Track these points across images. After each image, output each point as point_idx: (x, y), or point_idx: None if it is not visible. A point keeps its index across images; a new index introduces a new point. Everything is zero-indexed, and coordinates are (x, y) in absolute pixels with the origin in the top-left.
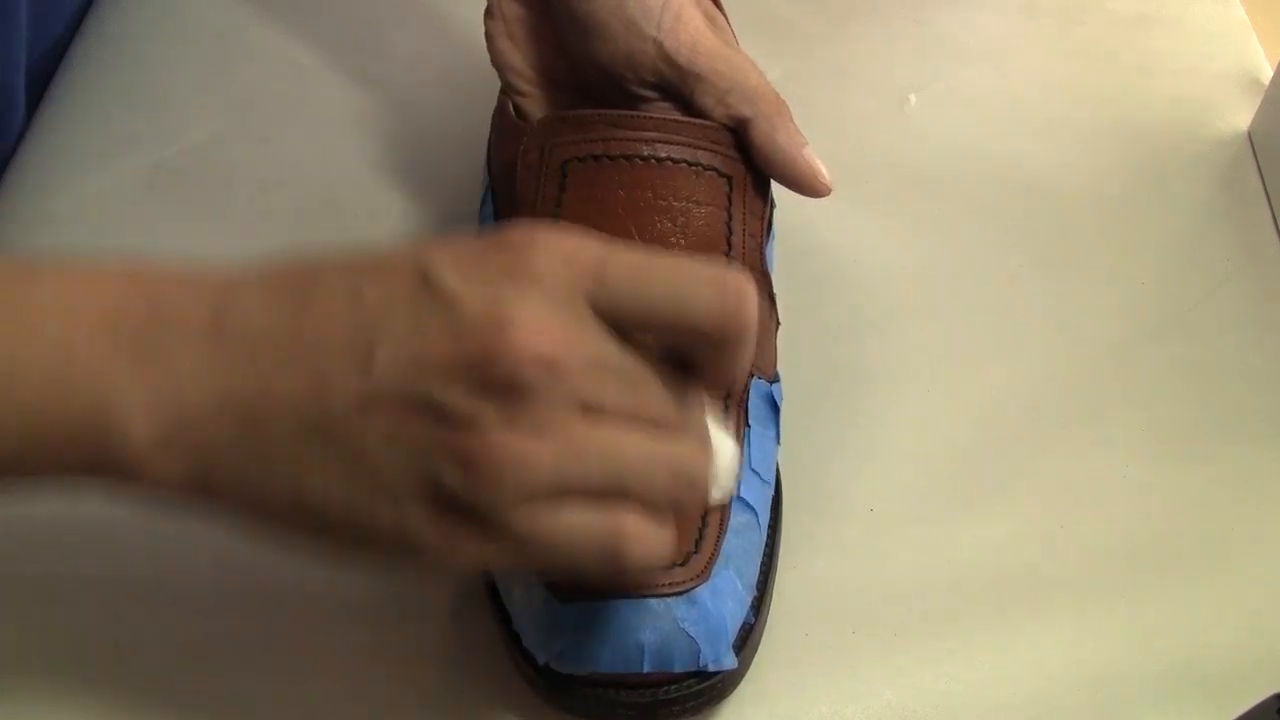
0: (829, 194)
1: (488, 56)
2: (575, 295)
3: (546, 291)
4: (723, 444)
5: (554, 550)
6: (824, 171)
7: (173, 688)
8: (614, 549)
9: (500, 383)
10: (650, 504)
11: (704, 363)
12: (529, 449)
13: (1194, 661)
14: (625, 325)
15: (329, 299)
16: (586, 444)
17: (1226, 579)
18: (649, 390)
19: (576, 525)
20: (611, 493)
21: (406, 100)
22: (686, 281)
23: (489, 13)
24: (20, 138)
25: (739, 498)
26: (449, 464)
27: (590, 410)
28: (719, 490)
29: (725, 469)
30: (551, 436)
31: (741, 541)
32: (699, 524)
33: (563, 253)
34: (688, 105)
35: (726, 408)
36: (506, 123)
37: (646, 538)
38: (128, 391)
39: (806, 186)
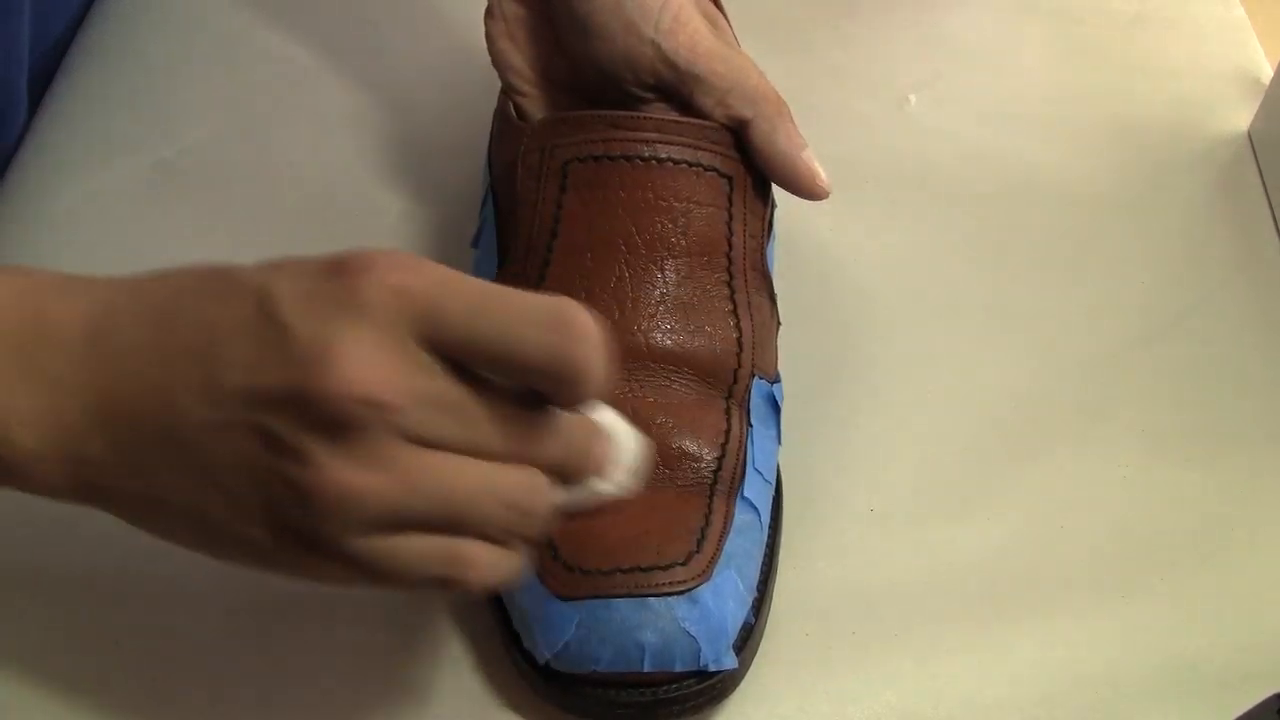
0: (827, 197)
1: (488, 57)
2: (403, 329)
3: (374, 325)
4: (621, 435)
5: (394, 575)
6: (823, 174)
7: (173, 688)
8: (452, 575)
9: (325, 416)
10: (486, 533)
11: (549, 394)
12: (357, 482)
13: (1194, 661)
14: (460, 358)
15: (185, 318)
16: (418, 477)
17: (1226, 579)
18: (482, 422)
19: (414, 552)
20: (446, 523)
21: (406, 100)
22: (517, 321)
23: (489, 13)
24: (21, 137)
25: (742, 497)
26: (283, 492)
27: (422, 443)
28: (622, 479)
29: (624, 458)
30: (381, 470)
31: (743, 541)
32: (701, 524)
33: (394, 284)
34: (687, 106)
35: (727, 408)
36: (507, 123)
37: (485, 563)
38: (10, 406)
39: (805, 189)
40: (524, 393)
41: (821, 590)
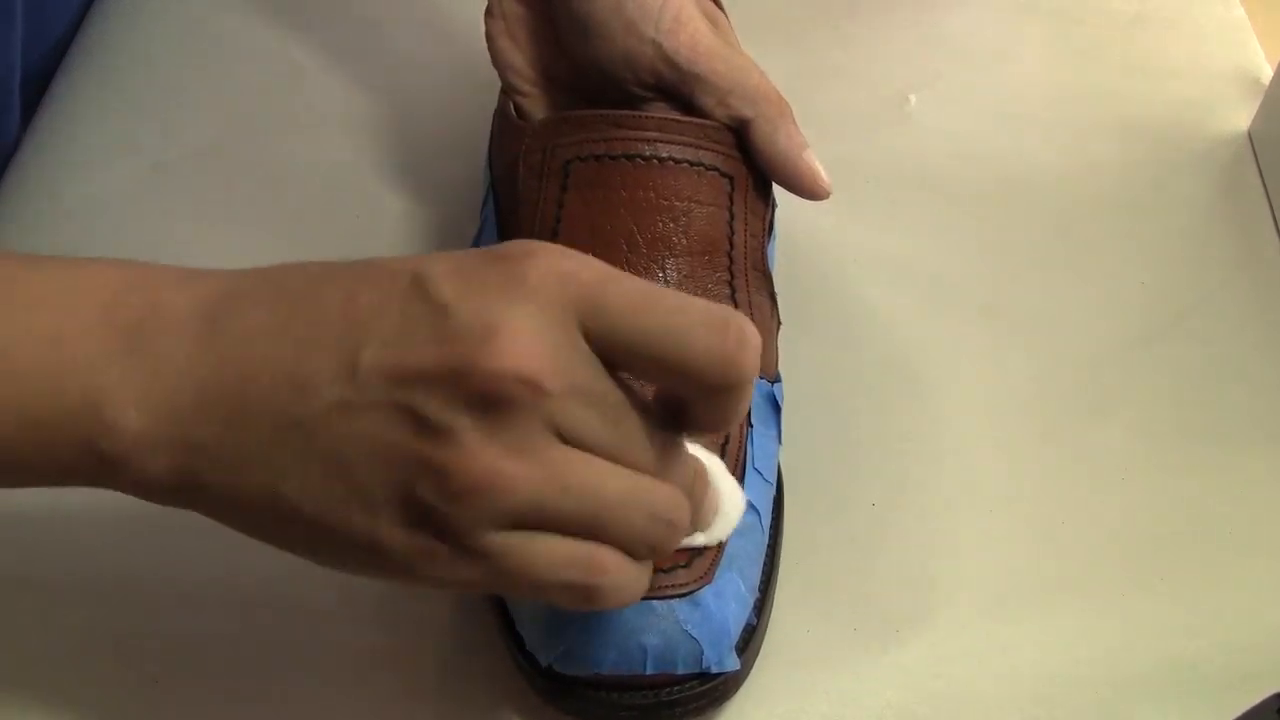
0: (828, 197)
1: (488, 56)
2: (568, 316)
3: (539, 308)
4: (727, 488)
5: (527, 578)
6: (824, 174)
7: (172, 689)
8: (588, 586)
9: (480, 395)
10: (626, 544)
11: (697, 407)
12: (505, 469)
13: (1194, 661)
14: (617, 356)
15: (323, 301)
16: (567, 474)
17: (1226, 579)
18: (634, 429)
19: (554, 555)
20: (588, 528)
21: (406, 100)
22: (687, 319)
23: (489, 12)
24: (19, 138)
25: None
26: (424, 476)
27: (572, 440)
28: (722, 531)
29: (729, 513)
30: (530, 460)
31: (744, 543)
32: None
33: (561, 270)
34: (688, 106)
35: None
36: (507, 123)
37: (622, 577)
38: (119, 385)
39: (805, 189)
40: (659, 414)
41: (822, 589)
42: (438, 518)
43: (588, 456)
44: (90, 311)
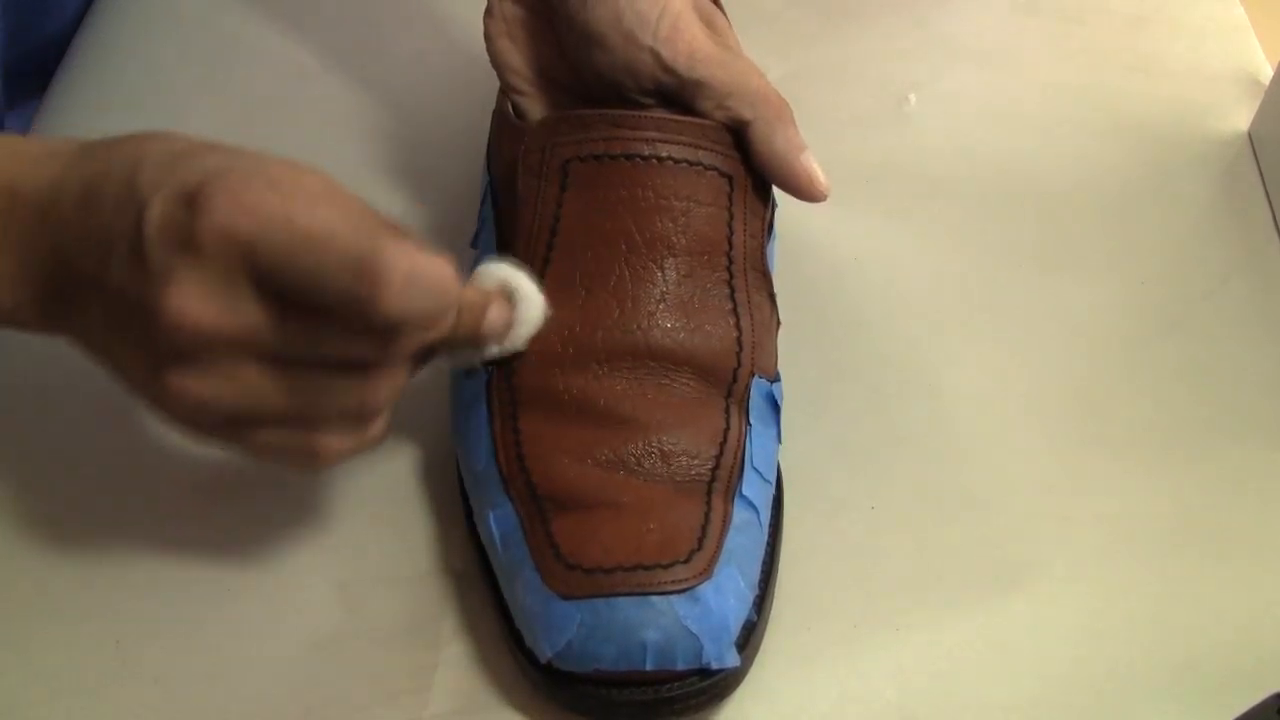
0: (825, 199)
1: (487, 56)
2: (233, 265)
3: (207, 263)
4: (526, 294)
5: (259, 457)
6: (821, 176)
7: (172, 688)
8: (304, 462)
9: (164, 337)
10: (334, 428)
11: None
12: (194, 388)
13: (1194, 661)
14: (288, 291)
15: (100, 206)
16: (257, 386)
17: (1226, 579)
18: (317, 343)
19: (270, 444)
20: (293, 423)
21: (406, 100)
22: (327, 263)
23: (488, 12)
24: (21, 129)
25: (741, 496)
26: (147, 380)
27: (264, 358)
28: (520, 337)
29: (527, 317)
30: (220, 380)
31: (743, 539)
32: (702, 521)
33: (225, 226)
34: (688, 111)
35: (727, 408)
36: (506, 123)
37: (337, 447)
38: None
39: (803, 191)
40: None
41: (822, 588)
42: (175, 417)
43: (278, 371)
44: None
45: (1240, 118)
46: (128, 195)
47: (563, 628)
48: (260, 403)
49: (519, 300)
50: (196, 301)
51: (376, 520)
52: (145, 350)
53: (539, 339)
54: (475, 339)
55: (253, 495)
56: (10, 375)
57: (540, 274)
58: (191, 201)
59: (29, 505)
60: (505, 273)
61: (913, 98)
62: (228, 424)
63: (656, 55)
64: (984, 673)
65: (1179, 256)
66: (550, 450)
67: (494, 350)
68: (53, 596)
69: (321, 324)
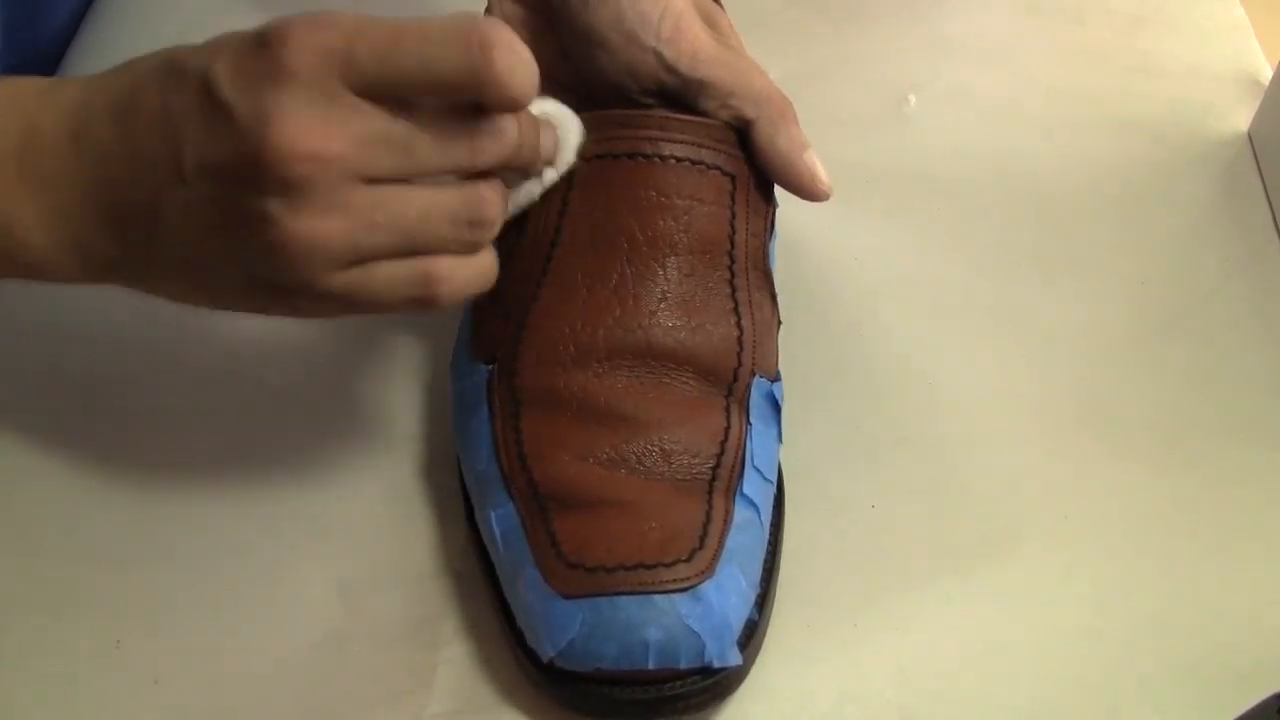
0: (828, 198)
1: None
2: (330, 80)
3: (304, 85)
4: (563, 120)
5: (370, 302)
6: (823, 175)
7: (172, 688)
8: (425, 291)
9: (275, 181)
10: (449, 249)
11: (484, 103)
12: (318, 229)
13: (1194, 661)
14: (388, 93)
15: (145, 109)
16: (371, 212)
17: (1226, 579)
18: (423, 147)
19: (385, 277)
20: (406, 248)
21: None
22: (432, 46)
23: (488, 11)
24: None
25: (742, 495)
26: (257, 256)
27: (370, 180)
28: (566, 160)
29: (569, 140)
30: (337, 213)
31: (745, 538)
32: (703, 520)
33: (312, 44)
34: (691, 111)
35: (728, 407)
36: None
37: (452, 276)
38: (20, 207)
39: (805, 190)
40: (463, 109)
41: (822, 588)
42: (283, 281)
43: (386, 190)
44: None
45: (1240, 118)
46: (176, 79)
47: (564, 627)
48: (378, 229)
49: (560, 124)
50: (304, 126)
51: (377, 520)
52: (246, 221)
53: (540, 338)
54: (535, 159)
55: (253, 496)
56: (11, 375)
57: (542, 272)
58: (265, 40)
59: (29, 504)
60: (543, 104)
61: (913, 98)
62: (350, 264)
63: (659, 56)
64: (984, 673)
65: (1179, 256)
66: (551, 449)
67: (550, 175)
68: (53, 596)
69: (423, 124)
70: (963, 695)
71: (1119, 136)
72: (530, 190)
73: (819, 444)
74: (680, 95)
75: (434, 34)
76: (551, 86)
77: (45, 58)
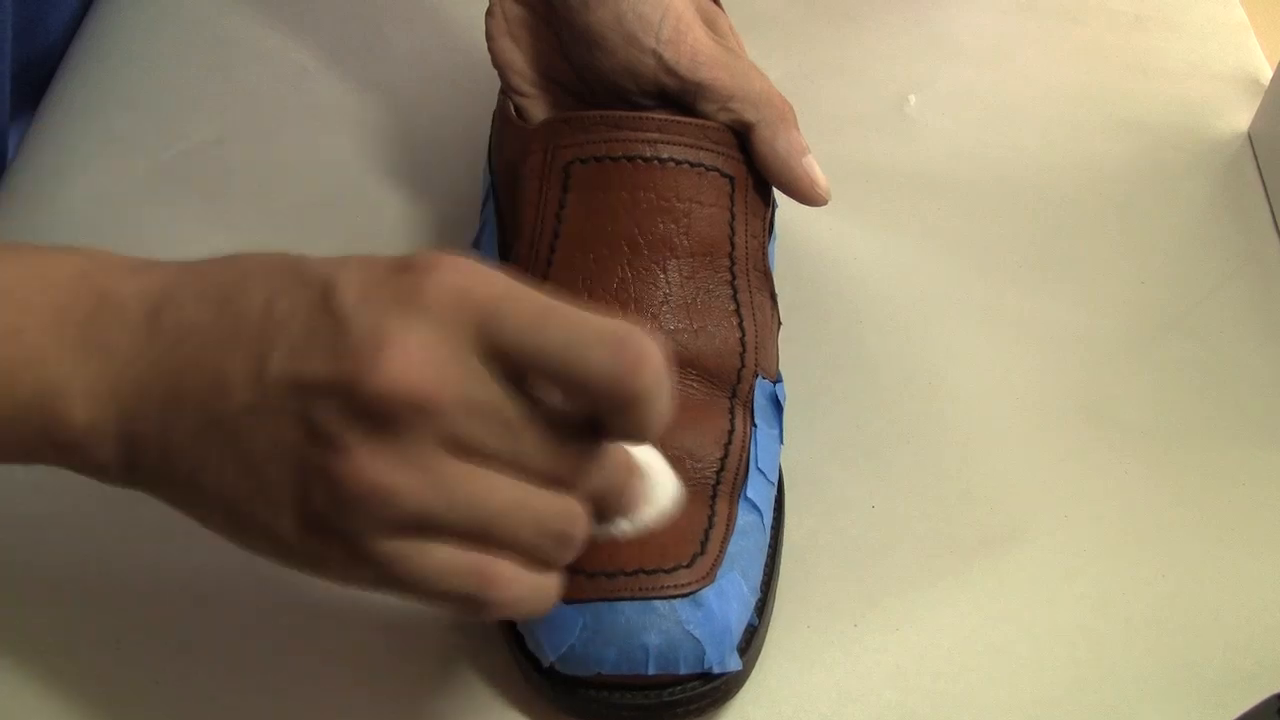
0: (826, 203)
1: (488, 56)
2: (462, 331)
3: (432, 324)
4: (658, 476)
5: (419, 583)
6: (822, 180)
7: (172, 687)
8: (479, 594)
9: (369, 409)
10: (519, 554)
11: (608, 418)
12: (390, 479)
13: (1194, 661)
14: (519, 370)
15: (247, 301)
16: (453, 484)
17: (1226, 579)
18: (531, 439)
19: (443, 564)
20: (477, 538)
21: (406, 100)
22: (581, 337)
23: (490, 12)
24: (19, 139)
25: (745, 498)
26: (318, 482)
27: (463, 451)
28: (649, 518)
29: (660, 501)
30: (417, 472)
31: (746, 543)
32: (705, 525)
33: (458, 285)
34: (691, 113)
35: (731, 409)
36: (508, 124)
37: (519, 588)
38: (69, 378)
39: (804, 194)
40: (575, 422)
41: (822, 588)
42: (330, 523)
43: (476, 469)
44: (46, 305)
45: (1240, 118)
46: (292, 280)
47: (565, 631)
48: (455, 506)
49: (653, 480)
50: (419, 363)
51: None
52: (316, 442)
53: None
54: (619, 503)
55: None
56: None
57: (543, 276)
58: (407, 266)
59: (29, 505)
60: (647, 453)
61: (913, 98)
62: (408, 527)
63: (659, 57)
64: (984, 673)
65: (1179, 256)
66: None
67: (623, 527)
68: (53, 596)
69: (536, 418)
70: (962, 695)
71: (1119, 136)
72: (596, 532)
73: (819, 444)
74: (679, 97)
75: (586, 326)
76: (551, 86)
77: (50, 55)
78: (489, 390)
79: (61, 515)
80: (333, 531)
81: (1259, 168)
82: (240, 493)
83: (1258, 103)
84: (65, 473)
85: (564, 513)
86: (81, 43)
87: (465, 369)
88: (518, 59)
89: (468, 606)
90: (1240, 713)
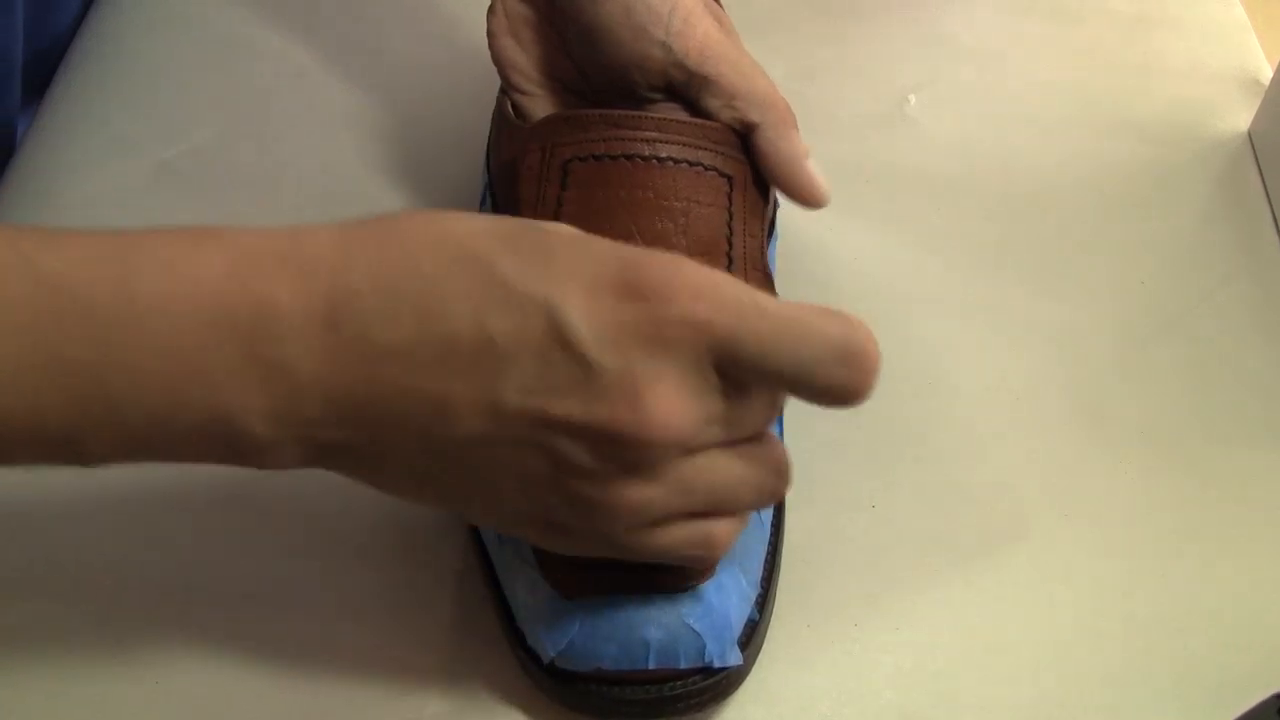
0: (826, 206)
1: (488, 55)
2: (704, 361)
3: (680, 363)
4: None
5: (653, 556)
6: (822, 184)
7: (172, 686)
8: (704, 552)
9: (629, 454)
10: (738, 513)
11: (810, 401)
12: (641, 496)
13: (1194, 661)
14: (749, 382)
15: (451, 324)
16: (693, 484)
17: (1227, 579)
18: (745, 418)
19: (676, 539)
20: (709, 513)
21: (406, 100)
22: (815, 355)
23: (491, 10)
24: (20, 138)
25: None
26: (565, 503)
27: (697, 451)
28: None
29: None
30: (660, 483)
31: (746, 539)
32: None
33: (698, 319)
34: (694, 107)
35: None
36: (505, 123)
37: (729, 537)
38: (241, 396)
39: (804, 197)
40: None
41: (823, 586)
42: (571, 526)
43: (707, 462)
44: (200, 319)
45: (1240, 118)
46: (499, 300)
47: (565, 626)
48: (694, 497)
49: None
50: (673, 407)
51: (377, 520)
52: (565, 471)
53: None
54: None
55: (253, 496)
56: None
57: None
58: (637, 292)
59: (29, 505)
60: None
61: (913, 98)
62: (646, 527)
63: (668, 50)
64: (984, 673)
65: (1179, 256)
66: None
67: None
68: (53, 597)
69: (750, 401)
70: (963, 695)
71: (1119, 136)
72: None
73: (819, 444)
74: (685, 90)
75: (819, 343)
76: (553, 84)
77: (57, 45)
78: (719, 402)
79: (62, 513)
80: (575, 534)
81: (1259, 168)
82: (469, 503)
83: (1258, 103)
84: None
85: (778, 469)
86: (82, 42)
87: (711, 395)
88: (520, 57)
89: (692, 563)
90: (1240, 713)
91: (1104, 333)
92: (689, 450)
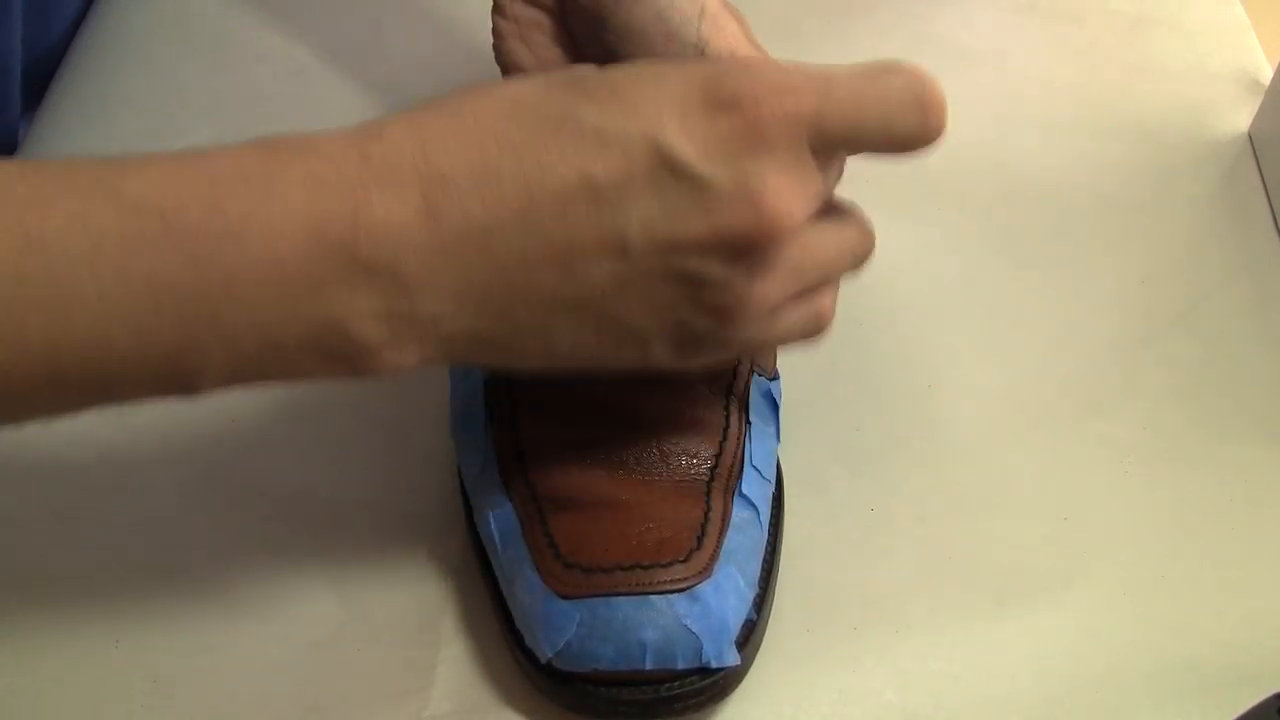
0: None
1: (489, 56)
2: (801, 147)
3: (781, 156)
4: None
5: (773, 344)
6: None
7: (172, 686)
8: (815, 328)
9: (752, 251)
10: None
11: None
12: (769, 289)
13: (1194, 661)
14: (838, 149)
15: (556, 181)
16: (807, 266)
17: (1226, 579)
18: (830, 187)
19: (793, 323)
20: (818, 287)
21: (406, 100)
22: (891, 111)
23: (499, 11)
24: (19, 139)
25: (740, 494)
26: (701, 316)
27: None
28: None
29: None
30: (784, 271)
31: (743, 538)
32: (701, 520)
33: (786, 111)
34: None
35: (726, 405)
36: None
37: (833, 307)
38: (354, 305)
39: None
40: None
41: (822, 588)
42: (707, 337)
43: (813, 238)
44: (295, 231)
45: (1240, 118)
46: (594, 145)
47: (562, 627)
48: (806, 275)
49: None
50: (787, 198)
51: (376, 520)
52: (701, 287)
53: None
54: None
55: (253, 495)
56: None
57: None
58: (728, 103)
59: (29, 505)
60: None
61: None
62: (768, 317)
63: (700, 53)
64: (984, 673)
65: (1179, 256)
66: (549, 450)
67: None
68: (53, 596)
69: (834, 172)
70: (963, 695)
71: (1119, 136)
72: None
73: (818, 445)
74: None
75: (893, 97)
76: None
77: (56, 50)
78: (820, 179)
79: (61, 513)
80: (707, 342)
81: (1259, 168)
82: (603, 342)
83: (1258, 103)
84: (64, 472)
85: (866, 230)
86: (82, 42)
87: (813, 174)
88: (529, 61)
89: (805, 343)
90: (1240, 713)
91: (1104, 332)
92: (798, 233)
